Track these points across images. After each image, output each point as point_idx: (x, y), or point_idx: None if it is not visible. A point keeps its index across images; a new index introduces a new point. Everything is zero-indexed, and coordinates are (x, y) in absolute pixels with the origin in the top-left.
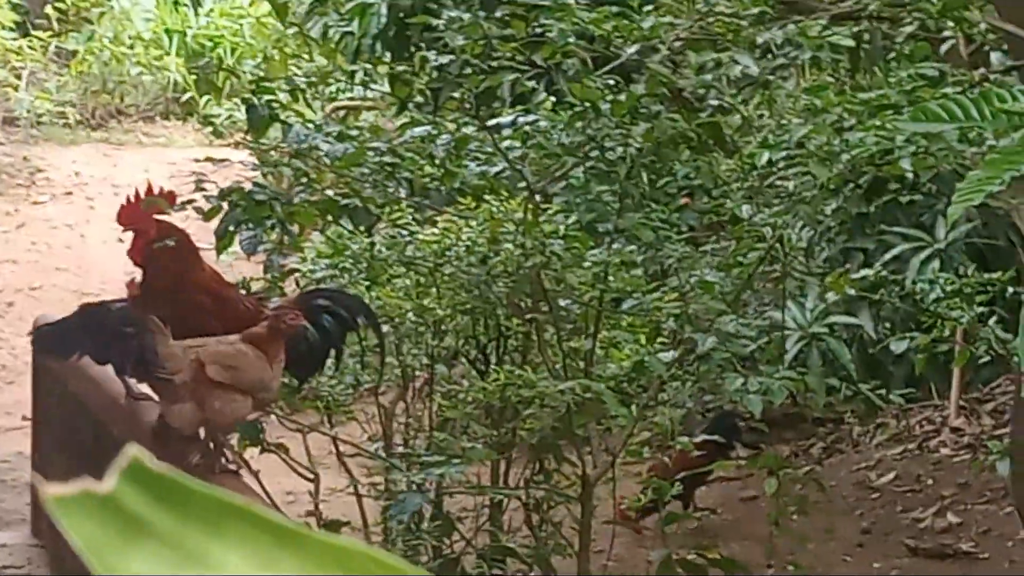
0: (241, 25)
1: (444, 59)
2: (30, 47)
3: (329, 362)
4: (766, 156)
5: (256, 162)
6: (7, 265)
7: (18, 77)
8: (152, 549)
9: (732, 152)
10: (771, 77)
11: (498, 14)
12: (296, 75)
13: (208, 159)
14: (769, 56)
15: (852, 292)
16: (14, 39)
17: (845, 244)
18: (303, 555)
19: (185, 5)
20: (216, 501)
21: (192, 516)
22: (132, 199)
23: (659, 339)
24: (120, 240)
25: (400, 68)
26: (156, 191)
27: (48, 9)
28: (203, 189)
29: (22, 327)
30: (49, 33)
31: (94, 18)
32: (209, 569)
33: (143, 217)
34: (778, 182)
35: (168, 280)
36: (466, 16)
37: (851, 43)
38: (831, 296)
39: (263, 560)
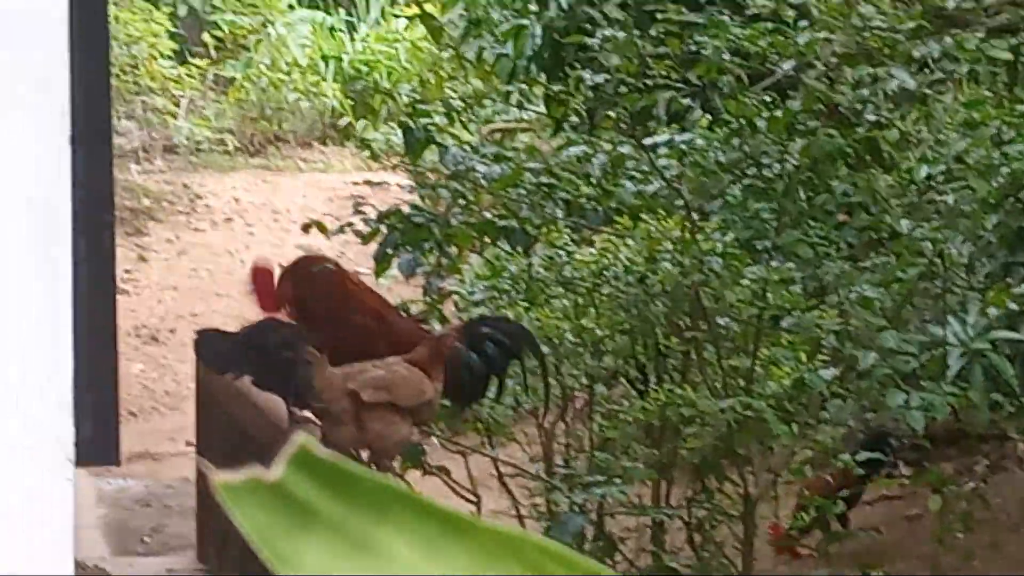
0: (397, 49)
1: (599, 78)
2: (188, 75)
3: (492, 389)
4: (924, 170)
5: (413, 185)
6: (168, 292)
7: (177, 105)
8: (320, 536)
9: (890, 167)
10: (928, 91)
11: (653, 32)
12: (452, 97)
13: (366, 183)
14: (926, 70)
15: (1014, 307)
16: (172, 68)
17: (1006, 259)
18: (471, 543)
19: (341, 31)
20: (383, 488)
21: (359, 503)
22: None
23: (819, 356)
24: (280, 265)
25: (555, 88)
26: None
27: (206, 37)
28: (361, 212)
29: (184, 354)
30: (207, 61)
31: (251, 45)
32: (376, 556)
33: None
34: (937, 197)
35: (330, 304)
36: (621, 35)
37: (1009, 56)
38: (993, 311)
39: (430, 547)
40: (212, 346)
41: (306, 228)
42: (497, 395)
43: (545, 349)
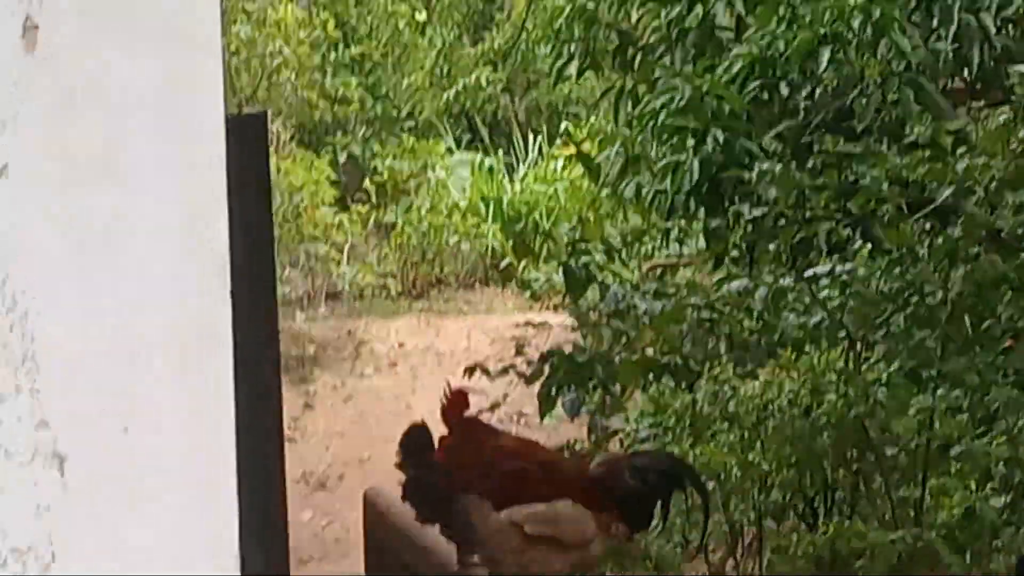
0: (555, 189)
1: (758, 212)
2: (350, 221)
3: (654, 521)
4: None
5: (575, 324)
6: (335, 438)
7: (340, 251)
8: None
9: None
10: None
11: (810, 164)
12: (611, 236)
13: (527, 323)
14: None
15: None
16: (335, 214)
17: None
18: None
19: (500, 172)
20: None
21: None
22: (444, 400)
23: (989, 484)
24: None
25: (714, 223)
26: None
27: (367, 183)
28: (523, 353)
29: (353, 501)
30: (368, 206)
31: (411, 189)
32: None
33: (451, 415)
34: None
35: (483, 451)
36: (778, 168)
37: None
38: None
39: None
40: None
41: (469, 371)
42: (662, 525)
43: (711, 484)
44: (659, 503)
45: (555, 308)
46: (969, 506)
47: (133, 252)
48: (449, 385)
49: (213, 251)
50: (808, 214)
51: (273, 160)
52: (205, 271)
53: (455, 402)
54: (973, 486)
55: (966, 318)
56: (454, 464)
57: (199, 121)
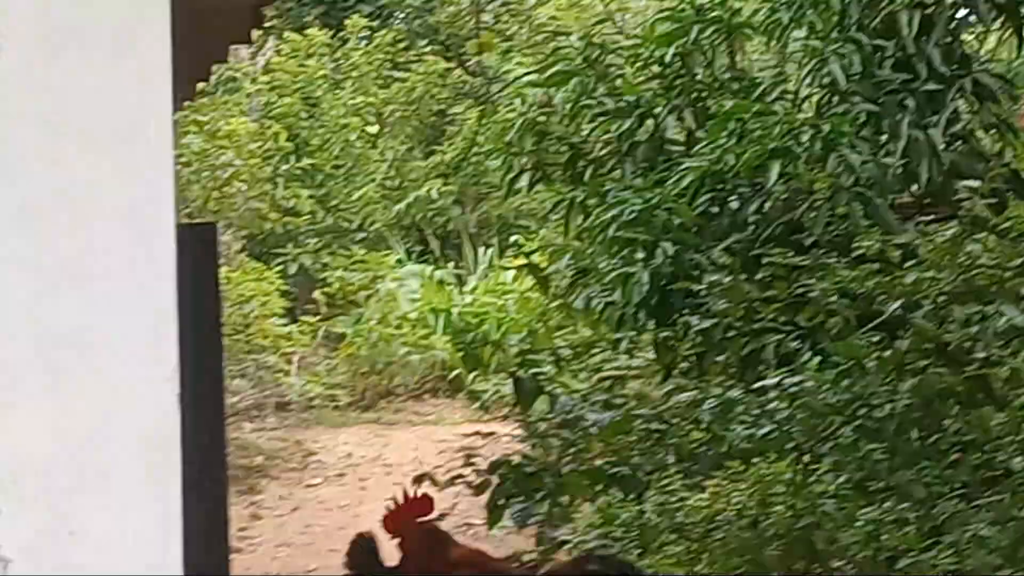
0: (505, 301)
1: (707, 323)
2: (300, 332)
3: None
4: None
5: (524, 434)
6: (282, 549)
7: (289, 362)
8: None
9: (1002, 405)
10: None
11: (759, 276)
12: (561, 347)
13: (476, 433)
14: None
15: None
16: (284, 325)
17: None
18: None
19: (449, 284)
20: None
21: None
22: (394, 506)
23: None
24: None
25: (663, 334)
26: (412, 495)
27: (316, 295)
28: (472, 464)
29: None
30: (318, 318)
31: (361, 301)
32: None
33: (404, 522)
34: None
35: (436, 561)
36: (727, 280)
37: None
38: None
39: None
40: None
41: (418, 480)
42: None
43: None
44: None
45: (504, 419)
46: None
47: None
48: (409, 491)
49: (163, 361)
50: (757, 326)
51: (223, 270)
52: (155, 380)
53: (416, 508)
54: None
55: (914, 431)
56: (412, 570)
57: (151, 231)
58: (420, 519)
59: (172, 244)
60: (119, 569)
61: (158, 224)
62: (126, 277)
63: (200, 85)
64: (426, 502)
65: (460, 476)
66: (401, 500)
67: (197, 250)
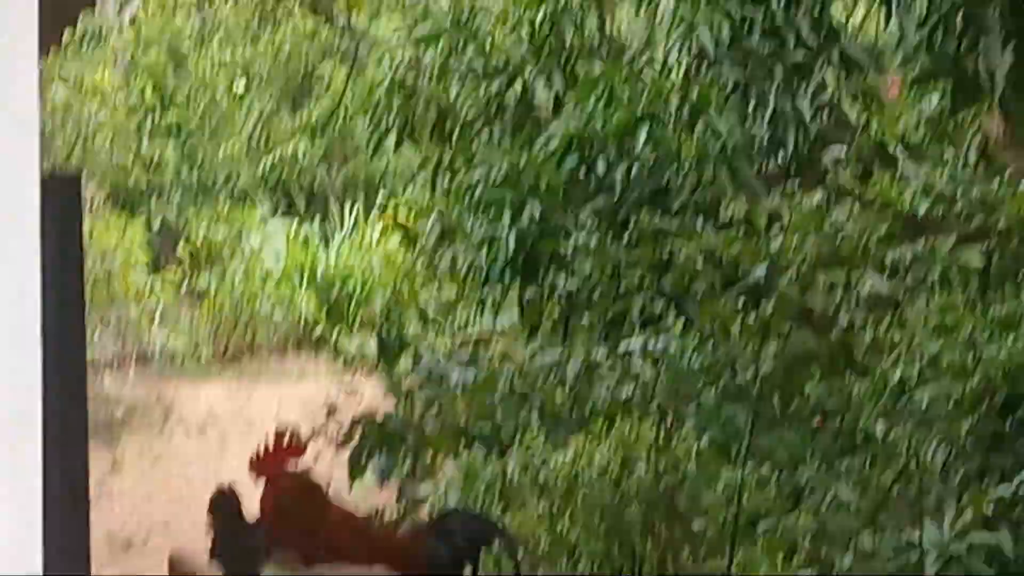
0: (370, 259)
1: (572, 284)
2: (163, 286)
3: None
4: (898, 373)
5: (387, 391)
6: (142, 501)
7: (151, 316)
8: None
9: (864, 372)
10: (901, 296)
11: (625, 239)
12: (426, 305)
13: (340, 390)
14: (899, 275)
15: (990, 510)
16: (147, 278)
17: (982, 461)
18: None
19: (315, 242)
20: None
21: None
22: (265, 448)
23: (796, 559)
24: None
25: (529, 294)
26: (287, 439)
27: (180, 249)
28: (334, 418)
29: (158, 561)
30: (181, 273)
31: (225, 257)
32: None
33: (275, 465)
34: (911, 400)
35: (302, 524)
36: (593, 241)
37: (980, 263)
38: (969, 515)
39: None
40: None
41: (279, 435)
42: None
43: (520, 552)
44: (469, 566)
45: (367, 377)
46: None
47: None
48: (282, 432)
49: (24, 311)
50: (623, 288)
51: (87, 222)
52: (15, 330)
53: (289, 451)
54: (780, 561)
55: (776, 396)
56: (276, 516)
57: (15, 181)
58: (291, 464)
59: (37, 195)
60: None
61: (22, 174)
62: None
63: (66, 38)
64: (298, 445)
65: (323, 429)
66: (272, 441)
67: (60, 201)
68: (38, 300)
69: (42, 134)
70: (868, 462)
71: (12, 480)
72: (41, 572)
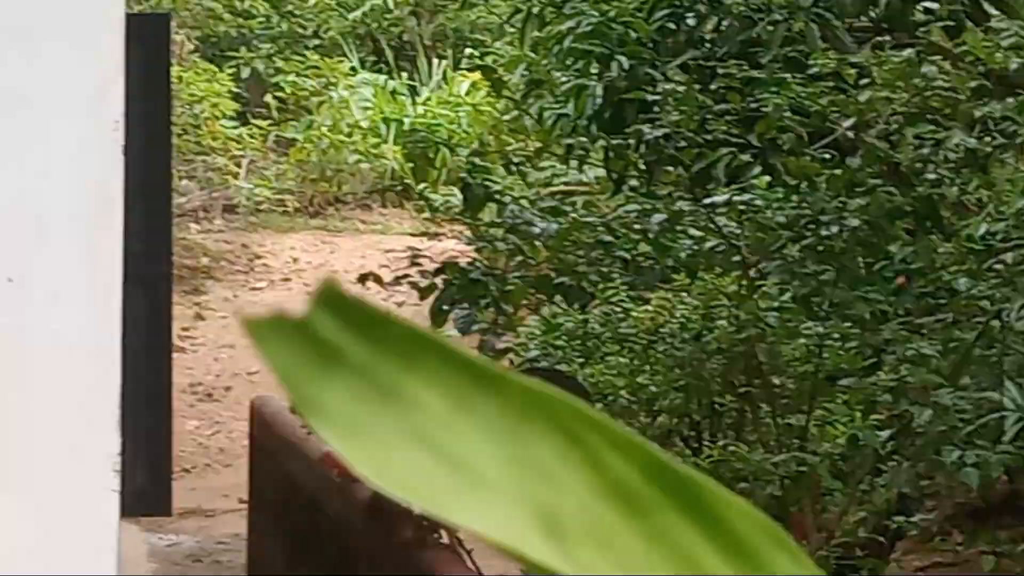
0: (458, 113)
1: (659, 133)
2: (250, 136)
3: None
4: (983, 228)
5: (471, 239)
6: (225, 350)
7: (238, 165)
8: (346, 380)
9: (950, 233)
10: (989, 151)
11: (713, 87)
12: (512, 154)
13: (424, 234)
14: (987, 132)
15: None
16: (234, 128)
17: None
18: (503, 398)
19: (403, 94)
20: (412, 334)
21: (387, 348)
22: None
23: (874, 416)
24: None
25: (615, 142)
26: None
27: (268, 99)
28: (418, 264)
29: (239, 411)
30: (269, 122)
31: (313, 107)
32: (404, 404)
33: None
34: (996, 258)
35: None
36: (681, 89)
37: None
38: None
39: (459, 399)
40: None
41: (362, 279)
42: None
43: (599, 406)
44: None
45: (451, 227)
46: (852, 435)
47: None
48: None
49: (111, 153)
50: (709, 139)
51: (175, 69)
52: (103, 171)
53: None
54: (858, 417)
55: (860, 252)
56: None
57: (99, 16)
58: None
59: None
60: (59, 320)
61: (107, 11)
62: (75, 78)
63: None
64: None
65: (406, 276)
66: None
67: (148, 40)
68: (120, 143)
69: None
70: (951, 320)
71: (96, 327)
72: (118, 416)
